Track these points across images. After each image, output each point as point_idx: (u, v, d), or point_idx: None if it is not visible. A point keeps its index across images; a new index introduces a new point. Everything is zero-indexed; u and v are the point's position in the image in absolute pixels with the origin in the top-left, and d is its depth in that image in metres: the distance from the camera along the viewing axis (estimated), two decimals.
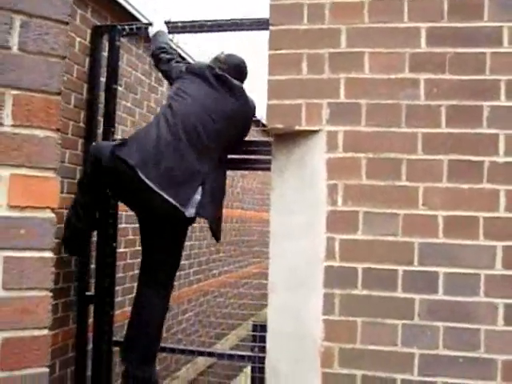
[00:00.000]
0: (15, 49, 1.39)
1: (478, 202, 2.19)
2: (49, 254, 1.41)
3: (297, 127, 2.30)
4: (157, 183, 3.06)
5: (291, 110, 2.30)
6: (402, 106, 2.24)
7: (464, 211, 2.19)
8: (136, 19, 4.53)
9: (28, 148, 1.39)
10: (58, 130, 1.43)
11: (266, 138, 3.64)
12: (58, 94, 1.44)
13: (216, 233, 3.36)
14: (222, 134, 3.29)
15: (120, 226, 4.15)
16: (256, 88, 3.45)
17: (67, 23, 1.46)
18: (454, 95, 2.22)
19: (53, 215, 1.42)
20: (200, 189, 3.17)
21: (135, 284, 5.00)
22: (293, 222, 2.31)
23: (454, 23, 2.24)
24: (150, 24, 3.77)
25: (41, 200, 1.40)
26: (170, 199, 3.08)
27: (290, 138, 2.33)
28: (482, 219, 2.18)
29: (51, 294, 1.42)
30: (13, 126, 1.37)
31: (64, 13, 1.46)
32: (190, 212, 3.16)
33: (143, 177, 3.05)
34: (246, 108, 3.43)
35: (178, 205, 3.09)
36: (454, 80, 2.23)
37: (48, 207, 1.41)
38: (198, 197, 3.16)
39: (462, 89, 2.22)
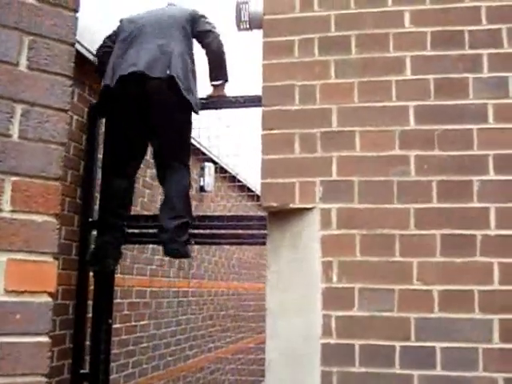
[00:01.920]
0: (15, 137, 1.42)
1: (472, 276, 2.19)
2: (45, 339, 1.40)
3: (291, 205, 2.33)
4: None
5: (285, 189, 2.33)
6: (394, 182, 2.28)
7: (458, 285, 2.20)
8: None
9: (26, 233, 1.40)
10: (56, 214, 1.45)
11: (261, 213, 3.68)
12: (57, 179, 1.46)
13: (194, 106, 3.70)
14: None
15: (115, 300, 4.12)
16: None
17: (67, 111, 1.51)
18: (443, 171, 2.27)
19: (50, 299, 1.42)
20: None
21: (131, 360, 4.95)
22: (288, 299, 2.30)
23: (441, 101, 2.31)
24: None
25: (38, 284, 1.40)
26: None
27: (285, 215, 2.35)
28: (476, 292, 2.18)
29: (46, 380, 1.41)
30: (12, 211, 1.39)
31: (64, 101, 1.50)
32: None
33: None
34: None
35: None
36: (444, 156, 2.28)
37: (45, 291, 1.41)
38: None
39: (452, 164, 2.27)
